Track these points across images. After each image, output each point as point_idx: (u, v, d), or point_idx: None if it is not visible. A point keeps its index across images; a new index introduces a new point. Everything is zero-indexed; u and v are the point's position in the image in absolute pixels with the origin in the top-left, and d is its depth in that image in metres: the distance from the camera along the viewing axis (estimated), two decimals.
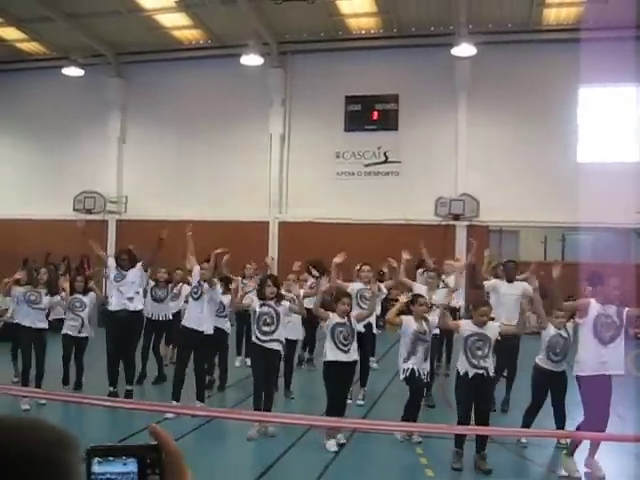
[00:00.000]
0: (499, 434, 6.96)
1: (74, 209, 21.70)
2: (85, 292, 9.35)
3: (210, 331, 8.44)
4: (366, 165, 20.65)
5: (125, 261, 9.36)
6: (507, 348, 8.01)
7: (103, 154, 22.37)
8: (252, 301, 7.66)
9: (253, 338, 7.56)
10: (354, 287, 9.13)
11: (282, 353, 7.78)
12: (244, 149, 21.19)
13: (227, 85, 21.29)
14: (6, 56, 22.87)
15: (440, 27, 19.32)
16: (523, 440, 7.15)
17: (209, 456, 6.61)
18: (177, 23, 20.26)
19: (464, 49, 18.19)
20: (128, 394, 8.66)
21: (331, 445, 6.82)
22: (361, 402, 8.74)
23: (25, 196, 22.63)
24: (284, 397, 9.15)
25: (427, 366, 7.26)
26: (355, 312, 7.58)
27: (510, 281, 9.08)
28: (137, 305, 9.03)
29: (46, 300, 8.71)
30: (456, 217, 19.42)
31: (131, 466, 0.95)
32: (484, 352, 6.44)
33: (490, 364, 6.52)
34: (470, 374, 6.42)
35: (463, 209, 19.34)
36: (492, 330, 6.59)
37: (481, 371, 6.42)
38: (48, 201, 22.06)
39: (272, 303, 7.51)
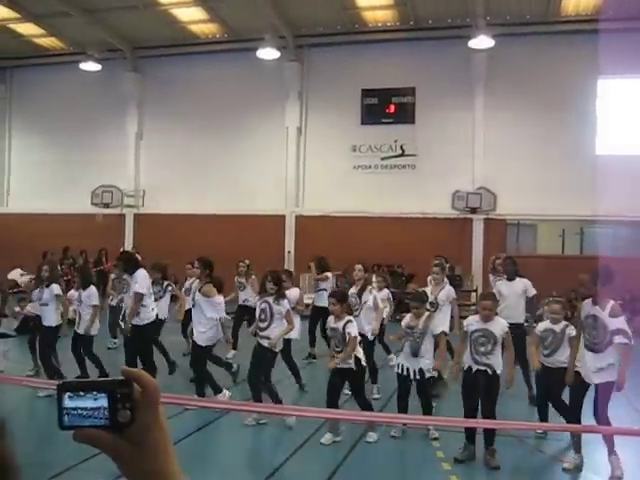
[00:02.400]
0: (502, 427, 6.92)
1: (92, 203, 21.91)
2: (84, 287, 9.32)
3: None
4: (382, 158, 20.59)
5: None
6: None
7: (120, 148, 22.50)
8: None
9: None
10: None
11: (273, 350, 7.65)
12: (260, 142, 21.21)
13: (243, 79, 21.30)
14: (24, 51, 23.06)
15: (457, 19, 19.18)
16: (539, 431, 7.09)
17: (225, 448, 6.64)
18: (193, 17, 20.29)
19: (481, 41, 18.06)
20: None
21: (327, 440, 6.81)
22: (377, 396, 8.72)
23: (43, 190, 22.84)
24: (300, 390, 9.19)
25: (417, 362, 6.99)
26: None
27: (510, 279, 9.01)
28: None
29: (47, 295, 8.74)
30: (473, 210, 19.33)
31: (102, 401, 0.95)
32: (487, 348, 6.38)
33: (495, 361, 6.41)
34: (473, 369, 6.41)
35: (480, 202, 19.24)
36: (498, 326, 6.51)
37: (483, 367, 6.37)
38: (66, 195, 22.26)
39: (270, 300, 7.57)
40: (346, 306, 7.11)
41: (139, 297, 8.50)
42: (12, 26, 21.17)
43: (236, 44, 21.18)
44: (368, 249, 18.45)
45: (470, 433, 6.42)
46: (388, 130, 20.45)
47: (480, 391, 6.35)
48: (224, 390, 8.19)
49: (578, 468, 6.18)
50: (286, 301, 7.77)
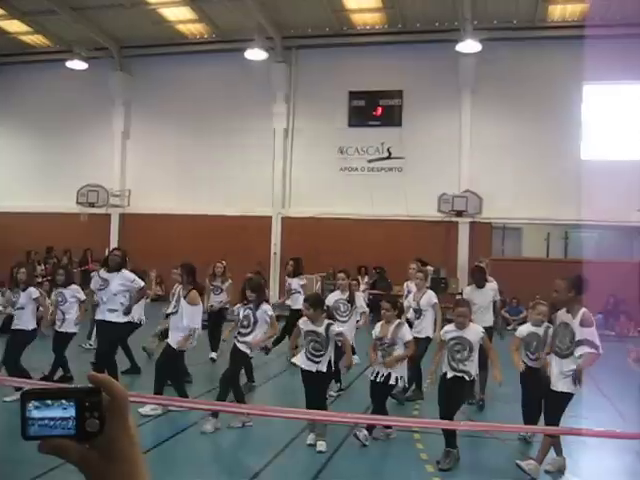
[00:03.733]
0: (487, 429, 6.95)
1: (77, 202, 21.74)
2: (66, 285, 9.31)
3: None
4: (369, 161, 20.63)
5: None
6: None
7: (107, 148, 22.38)
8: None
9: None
10: (330, 299, 9.12)
11: (248, 355, 7.70)
12: (247, 144, 21.17)
13: (231, 80, 21.28)
14: (10, 49, 22.87)
15: (445, 23, 19.26)
16: (522, 433, 7.11)
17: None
18: (182, 17, 20.25)
19: (469, 45, 18.14)
20: None
21: (311, 439, 6.82)
22: (333, 393, 8.82)
23: (28, 189, 22.66)
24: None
25: (386, 369, 6.97)
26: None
27: (480, 287, 9.05)
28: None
29: (23, 298, 8.52)
30: (459, 213, 19.40)
31: (70, 410, 0.91)
32: (463, 355, 6.42)
33: (471, 367, 6.44)
34: (449, 375, 6.45)
35: (466, 206, 19.30)
36: (473, 333, 6.54)
37: (460, 374, 6.40)
38: (51, 194, 22.11)
39: (252, 306, 7.59)
40: (320, 310, 7.00)
41: (143, 291, 8.91)
42: None
43: (224, 44, 21.15)
44: (354, 251, 18.50)
45: (451, 438, 6.36)
46: (375, 132, 20.49)
47: (454, 395, 6.41)
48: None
49: (561, 470, 6.21)
50: (268, 306, 7.76)
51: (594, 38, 16.78)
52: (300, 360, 6.96)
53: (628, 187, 17.79)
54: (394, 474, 6.35)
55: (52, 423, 0.91)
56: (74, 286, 9.36)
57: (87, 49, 21.26)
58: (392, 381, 7.01)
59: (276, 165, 21.11)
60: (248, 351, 7.60)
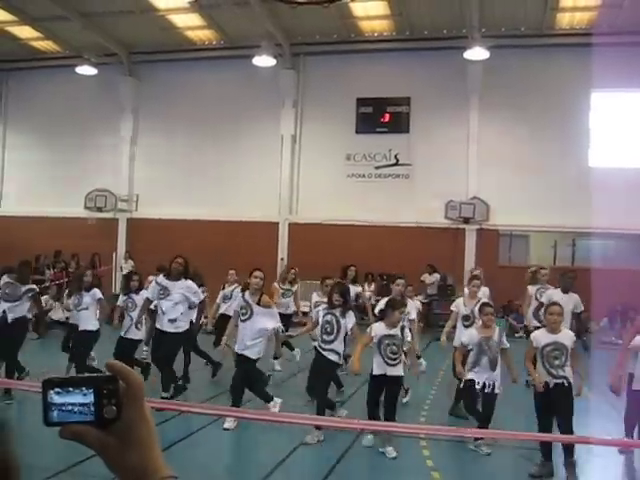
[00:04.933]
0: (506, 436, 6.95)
1: (85, 207, 21.85)
2: (138, 291, 9.48)
3: None
4: (377, 167, 20.64)
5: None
6: None
7: (115, 153, 22.47)
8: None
9: None
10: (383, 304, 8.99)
11: (338, 364, 7.74)
12: (255, 150, 21.24)
13: (239, 86, 21.35)
14: (21, 54, 23.03)
15: (453, 30, 19.28)
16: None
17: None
18: (190, 23, 20.34)
19: (476, 53, 18.16)
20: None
21: (391, 451, 6.68)
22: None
23: (37, 194, 22.77)
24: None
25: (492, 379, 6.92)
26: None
27: (565, 292, 9.08)
28: None
29: (88, 298, 8.94)
30: (466, 220, 19.39)
31: (90, 397, 0.96)
32: (561, 361, 6.21)
33: (569, 372, 6.23)
34: (551, 384, 6.21)
35: (473, 213, 19.30)
36: (568, 337, 6.37)
37: (560, 380, 6.21)
38: (60, 199, 22.19)
39: (337, 312, 7.52)
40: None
41: (148, 302, 8.92)
42: (9, 29, 21.16)
43: (232, 51, 21.23)
44: (361, 258, 18.46)
45: (547, 450, 6.20)
46: (382, 139, 20.52)
47: (557, 405, 6.16)
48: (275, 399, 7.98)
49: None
50: (353, 315, 7.66)
51: (602, 46, 16.76)
52: (376, 367, 6.81)
53: (636, 194, 17.75)
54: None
55: (72, 409, 0.96)
56: (144, 292, 9.34)
57: (96, 55, 21.38)
58: (498, 390, 6.91)
59: (283, 171, 21.15)
60: (335, 358, 7.44)
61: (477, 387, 6.85)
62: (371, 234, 19.66)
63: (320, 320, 7.47)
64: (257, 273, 7.94)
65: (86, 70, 21.48)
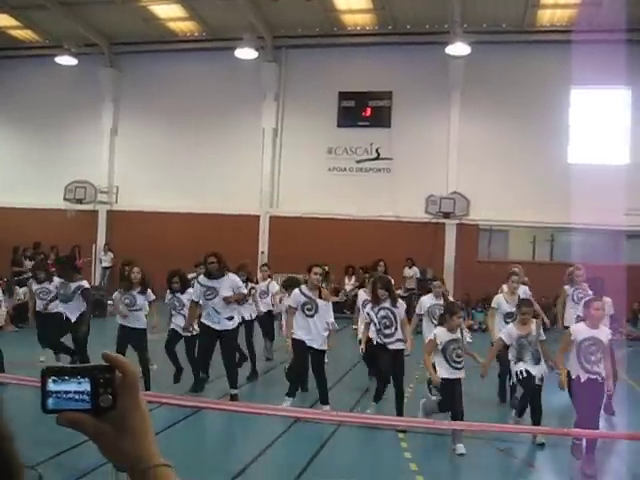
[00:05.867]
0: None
1: (64, 199, 21.66)
2: (183, 291, 9.43)
3: None
4: (358, 161, 20.70)
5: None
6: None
7: (95, 144, 22.29)
8: None
9: None
10: (425, 302, 8.89)
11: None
12: (236, 142, 21.19)
13: (221, 78, 21.26)
14: None
15: (435, 25, 19.36)
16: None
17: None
18: (172, 14, 20.22)
19: (458, 48, 18.25)
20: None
21: (460, 448, 6.64)
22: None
23: (15, 184, 22.50)
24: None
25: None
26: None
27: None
28: None
29: (141, 300, 8.92)
30: (446, 215, 19.51)
31: (85, 385, 0.99)
32: (597, 357, 6.24)
33: (602, 368, 6.28)
34: (582, 378, 6.26)
35: (453, 207, 19.42)
36: (604, 333, 6.41)
37: (594, 376, 6.24)
38: (39, 190, 21.96)
39: (387, 305, 7.71)
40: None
41: (195, 304, 8.83)
42: None
43: (214, 43, 21.13)
44: (342, 251, 18.55)
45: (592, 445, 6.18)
46: (364, 133, 20.56)
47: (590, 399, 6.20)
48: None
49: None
50: (402, 302, 7.88)
51: (581, 43, 16.92)
52: (443, 371, 6.77)
53: (614, 191, 17.92)
54: (378, 472, 6.41)
55: (68, 396, 0.99)
56: (190, 289, 9.23)
57: (77, 45, 21.13)
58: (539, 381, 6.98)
59: (265, 164, 21.13)
60: (402, 345, 7.65)
61: (536, 381, 6.85)
62: (352, 228, 19.71)
63: (375, 319, 7.63)
64: (316, 269, 8.01)
65: (66, 60, 21.25)
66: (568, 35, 17.75)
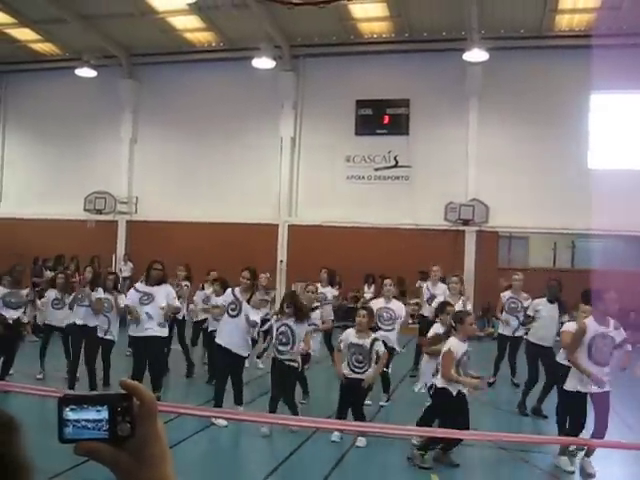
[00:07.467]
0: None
1: (84, 209, 21.83)
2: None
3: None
4: (376, 169, 20.64)
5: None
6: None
7: (114, 155, 22.48)
8: None
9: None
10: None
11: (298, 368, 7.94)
12: (255, 152, 21.24)
13: (238, 88, 21.36)
14: (20, 57, 23.05)
15: (452, 32, 19.29)
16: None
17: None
18: (189, 25, 20.35)
19: (476, 54, 18.16)
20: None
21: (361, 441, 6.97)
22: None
23: (36, 195, 22.76)
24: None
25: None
26: None
27: (551, 302, 9.26)
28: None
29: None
30: (465, 222, 19.38)
31: (104, 413, 0.97)
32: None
33: None
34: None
35: (473, 214, 19.29)
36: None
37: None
38: (59, 201, 22.17)
39: (290, 322, 7.75)
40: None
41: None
42: (8, 31, 21.17)
43: (232, 53, 21.24)
44: (360, 260, 18.48)
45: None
46: (382, 141, 20.51)
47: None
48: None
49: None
50: (306, 324, 7.82)
51: (601, 47, 16.76)
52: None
53: (635, 196, 17.73)
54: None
55: (87, 425, 0.97)
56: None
57: (96, 57, 21.37)
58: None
59: (283, 173, 21.15)
60: (296, 365, 7.83)
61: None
62: (371, 236, 19.65)
63: (274, 332, 7.85)
64: (244, 273, 8.23)
65: (86, 72, 21.45)
66: (587, 40, 17.57)
